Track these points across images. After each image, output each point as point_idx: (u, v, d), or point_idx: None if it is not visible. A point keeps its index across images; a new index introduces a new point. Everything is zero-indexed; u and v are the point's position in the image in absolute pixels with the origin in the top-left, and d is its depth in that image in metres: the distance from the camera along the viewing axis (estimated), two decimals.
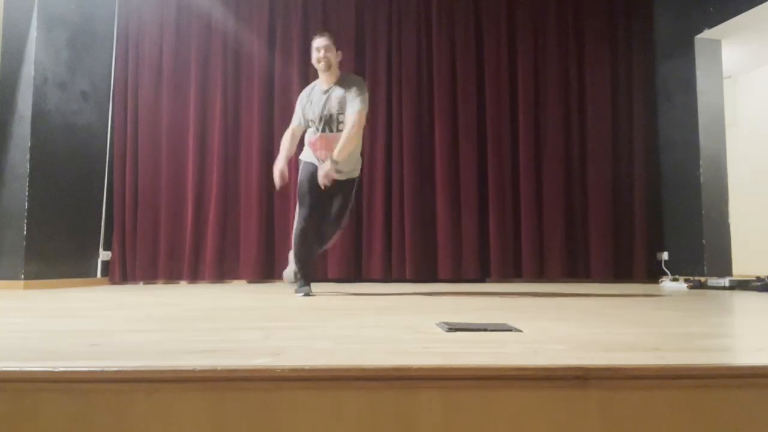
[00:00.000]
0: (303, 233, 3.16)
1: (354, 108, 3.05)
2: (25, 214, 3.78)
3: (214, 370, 0.94)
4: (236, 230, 4.73)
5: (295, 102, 4.74)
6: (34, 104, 3.88)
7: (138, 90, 4.75)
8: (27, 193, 3.80)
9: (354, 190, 3.29)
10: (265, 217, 4.73)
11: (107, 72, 4.68)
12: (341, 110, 3.10)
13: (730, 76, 5.82)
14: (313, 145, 3.21)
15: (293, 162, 3.47)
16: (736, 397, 0.97)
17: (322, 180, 2.98)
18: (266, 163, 4.78)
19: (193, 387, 0.93)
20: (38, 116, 3.91)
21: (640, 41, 5.13)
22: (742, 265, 4.86)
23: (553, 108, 4.98)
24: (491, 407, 0.94)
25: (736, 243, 4.68)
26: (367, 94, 3.14)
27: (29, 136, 3.84)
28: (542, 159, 4.95)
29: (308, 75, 4.85)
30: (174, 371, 0.95)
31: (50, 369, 0.94)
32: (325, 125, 3.15)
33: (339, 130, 3.11)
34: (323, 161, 3.09)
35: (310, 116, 3.21)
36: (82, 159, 4.35)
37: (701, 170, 4.59)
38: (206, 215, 4.71)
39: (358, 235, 4.77)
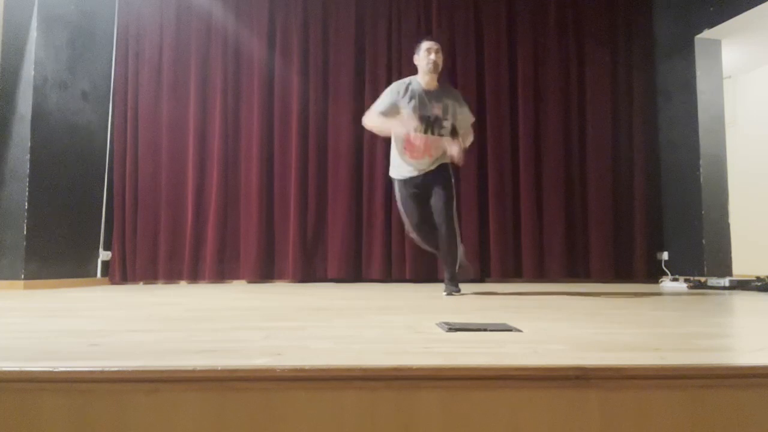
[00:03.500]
0: (420, 241, 3.33)
1: (471, 119, 3.30)
2: (25, 214, 3.78)
3: (214, 370, 0.94)
4: (236, 230, 4.73)
5: (295, 101, 4.81)
6: (34, 104, 3.88)
7: (138, 90, 4.74)
8: (27, 193, 3.80)
9: (451, 172, 3.27)
10: (265, 217, 4.73)
11: (107, 72, 4.68)
12: (446, 116, 3.16)
13: (730, 76, 5.82)
14: (411, 148, 3.16)
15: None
16: (736, 397, 0.97)
17: (458, 158, 3.05)
18: (266, 163, 4.79)
19: (193, 387, 0.93)
20: (38, 116, 3.91)
21: (640, 41, 5.13)
22: (742, 265, 4.86)
23: (553, 108, 4.98)
24: (491, 407, 0.94)
25: (736, 243, 4.68)
26: None
27: (29, 136, 3.84)
28: (542, 159, 4.95)
29: (308, 75, 4.87)
30: (174, 371, 0.95)
31: (50, 369, 0.94)
32: (428, 127, 3.15)
33: (441, 134, 3.16)
34: (419, 164, 3.17)
35: (407, 110, 3.13)
36: (82, 159, 4.35)
37: (701, 170, 4.59)
38: (206, 215, 4.71)
39: (358, 235, 4.77)
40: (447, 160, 3.24)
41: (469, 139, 3.31)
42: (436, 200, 3.18)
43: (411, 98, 3.14)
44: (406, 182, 3.25)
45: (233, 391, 0.93)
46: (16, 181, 3.83)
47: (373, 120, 3.20)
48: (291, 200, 4.74)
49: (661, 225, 5.00)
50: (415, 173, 3.22)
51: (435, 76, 3.19)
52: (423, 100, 3.14)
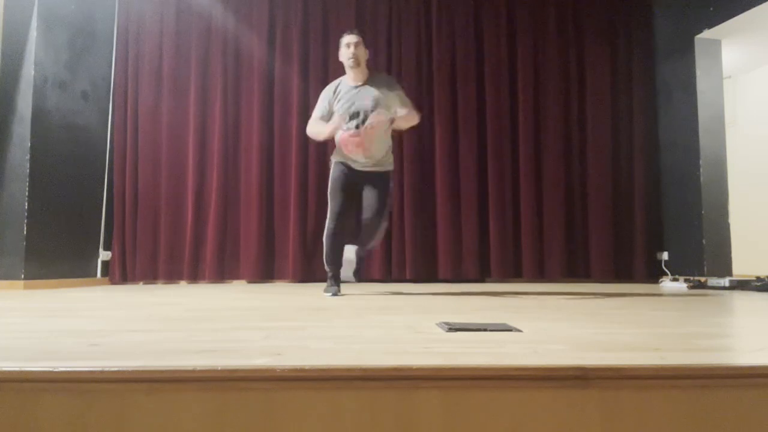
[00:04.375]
0: (332, 234, 3.17)
1: (406, 104, 3.13)
2: (25, 214, 3.78)
3: (214, 370, 0.94)
4: (236, 230, 4.73)
5: (295, 101, 4.81)
6: (34, 104, 3.88)
7: (138, 90, 4.74)
8: (27, 193, 3.80)
9: (391, 184, 3.25)
10: (265, 217, 4.73)
11: (107, 72, 4.68)
12: (375, 107, 3.06)
13: (730, 76, 5.82)
14: (345, 143, 3.08)
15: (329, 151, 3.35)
16: (736, 397, 0.97)
17: (371, 119, 2.98)
18: (266, 163, 4.79)
19: (193, 387, 0.93)
20: (38, 116, 3.91)
21: (640, 41, 5.13)
22: (742, 265, 4.86)
23: (553, 108, 4.98)
24: (491, 407, 0.94)
25: (736, 243, 4.68)
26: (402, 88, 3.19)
27: (29, 136, 3.84)
28: (542, 159, 4.95)
29: (308, 75, 4.87)
30: (174, 371, 0.95)
31: (50, 369, 0.94)
32: (361, 122, 3.08)
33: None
34: (355, 157, 3.10)
35: (337, 110, 3.14)
36: (82, 159, 4.35)
37: (701, 170, 4.59)
38: (206, 215, 4.71)
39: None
40: (389, 168, 3.22)
41: (407, 116, 3.12)
42: (369, 207, 3.16)
43: (339, 99, 3.15)
44: (342, 168, 3.21)
45: (233, 391, 0.93)
46: (16, 181, 3.83)
47: (311, 127, 3.22)
48: (291, 200, 4.74)
49: (661, 225, 5.00)
50: (351, 164, 3.17)
51: (359, 70, 3.13)
52: (351, 97, 3.12)
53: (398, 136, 3.43)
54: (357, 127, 3.07)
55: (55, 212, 4.03)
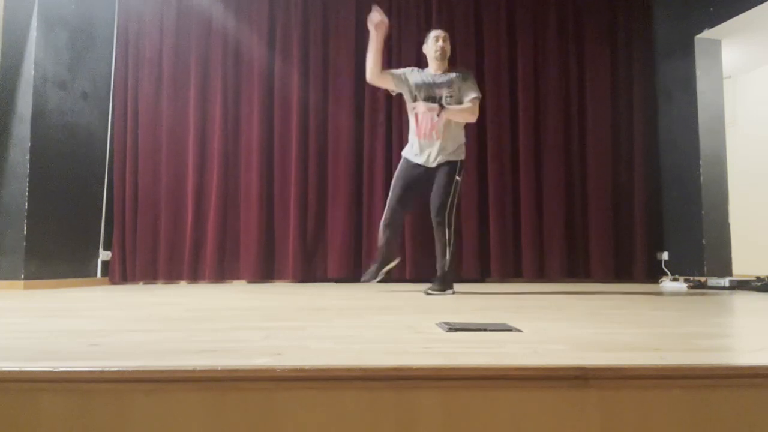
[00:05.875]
0: (382, 225, 3.38)
1: (473, 94, 3.28)
2: (25, 214, 3.78)
3: (214, 370, 0.94)
4: (236, 230, 4.73)
5: (295, 101, 4.81)
6: (34, 104, 3.88)
7: (138, 90, 4.75)
8: (27, 193, 3.80)
9: (458, 173, 3.32)
10: (265, 217, 4.73)
11: (107, 72, 4.68)
12: (450, 95, 3.27)
13: (730, 76, 5.82)
14: (417, 125, 3.30)
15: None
16: (736, 397, 0.97)
17: (421, 107, 3.23)
18: (266, 163, 4.79)
19: (193, 387, 0.93)
20: (38, 116, 3.91)
21: (640, 41, 5.13)
22: (742, 265, 4.86)
23: (553, 108, 4.98)
24: (491, 407, 0.94)
25: (736, 243, 4.68)
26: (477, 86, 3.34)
27: (29, 136, 3.84)
28: (542, 159, 4.95)
29: (308, 75, 4.87)
30: (174, 371, 0.95)
31: (50, 369, 0.94)
32: (433, 101, 3.28)
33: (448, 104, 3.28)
34: (427, 148, 3.29)
35: (413, 82, 3.35)
36: (82, 159, 4.35)
37: (701, 170, 4.59)
38: (206, 215, 4.71)
39: (358, 236, 4.77)
40: (456, 158, 3.31)
41: (459, 112, 3.28)
42: (435, 191, 3.28)
43: (415, 77, 3.36)
44: (409, 163, 3.38)
45: (233, 391, 0.93)
46: (16, 181, 3.83)
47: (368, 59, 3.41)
48: (291, 200, 4.74)
49: (661, 225, 5.00)
50: (420, 161, 3.33)
51: (443, 63, 3.36)
52: (430, 84, 3.31)
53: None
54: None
55: (55, 212, 4.03)
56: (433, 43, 3.35)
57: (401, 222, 3.43)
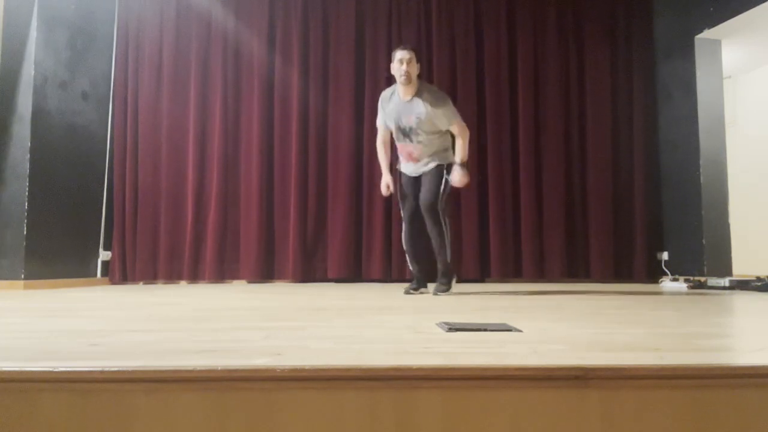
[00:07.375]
0: (404, 240, 3.43)
1: (452, 122, 3.23)
2: (25, 214, 3.78)
3: (214, 370, 0.94)
4: (236, 230, 4.73)
5: (295, 101, 4.82)
6: (34, 104, 3.88)
7: (138, 90, 4.75)
8: (27, 193, 3.80)
9: (446, 173, 3.29)
10: (265, 217, 4.73)
11: (107, 72, 4.68)
12: (420, 127, 3.22)
13: (730, 76, 5.82)
14: (399, 151, 3.40)
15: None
16: (736, 397, 0.97)
17: (460, 185, 3.25)
18: (266, 163, 4.79)
19: (193, 387, 0.93)
20: (38, 116, 3.91)
21: (640, 41, 5.13)
22: (742, 265, 4.86)
23: (553, 108, 4.98)
24: (491, 407, 0.94)
25: (736, 243, 4.68)
26: (450, 103, 3.27)
27: (29, 136, 3.84)
28: (542, 159, 4.95)
29: (308, 75, 4.87)
30: (174, 371, 0.95)
31: (50, 369, 0.94)
32: (402, 135, 3.30)
33: (419, 142, 3.26)
34: (407, 167, 3.37)
35: (387, 111, 3.35)
36: (82, 159, 4.35)
37: (701, 170, 4.59)
38: (206, 215, 4.71)
39: (358, 235, 4.77)
40: (443, 161, 3.30)
41: (463, 140, 3.25)
42: (423, 193, 3.30)
43: (389, 108, 3.32)
44: (404, 176, 3.44)
45: (233, 391, 0.93)
46: (16, 181, 3.83)
47: (377, 143, 3.48)
48: (291, 200, 4.74)
49: (661, 225, 5.00)
50: (409, 172, 3.39)
51: (410, 87, 3.21)
52: (400, 111, 3.27)
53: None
54: (402, 140, 3.30)
55: (55, 212, 4.03)
56: (398, 67, 3.17)
57: (419, 232, 3.37)
